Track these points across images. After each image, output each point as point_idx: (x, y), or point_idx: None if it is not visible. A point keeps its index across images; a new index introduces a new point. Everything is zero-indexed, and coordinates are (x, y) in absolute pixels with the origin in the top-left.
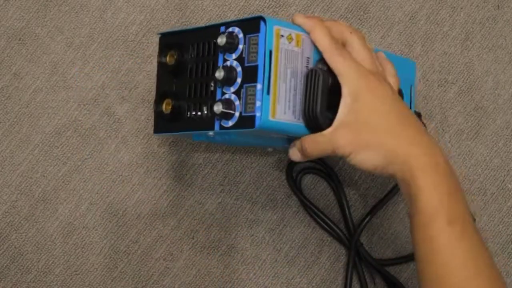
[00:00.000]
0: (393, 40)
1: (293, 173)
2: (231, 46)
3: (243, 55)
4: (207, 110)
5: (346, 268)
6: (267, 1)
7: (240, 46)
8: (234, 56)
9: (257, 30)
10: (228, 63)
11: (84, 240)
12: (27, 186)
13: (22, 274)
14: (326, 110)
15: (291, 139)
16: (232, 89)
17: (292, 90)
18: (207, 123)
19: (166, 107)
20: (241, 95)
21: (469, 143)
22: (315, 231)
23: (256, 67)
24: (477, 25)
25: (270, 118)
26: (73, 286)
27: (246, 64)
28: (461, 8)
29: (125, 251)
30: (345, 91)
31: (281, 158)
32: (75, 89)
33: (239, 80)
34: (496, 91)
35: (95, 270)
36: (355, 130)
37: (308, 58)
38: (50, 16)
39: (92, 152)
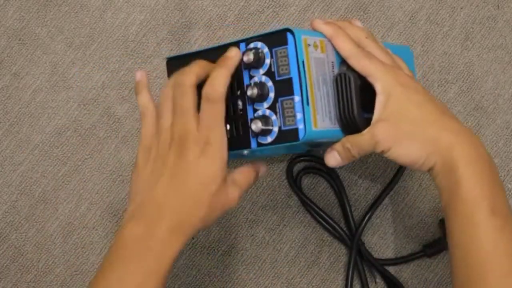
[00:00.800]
0: (393, 40)
1: (293, 173)
2: (258, 62)
3: (272, 69)
4: (239, 130)
5: (347, 267)
6: (267, 1)
7: (267, 61)
8: (261, 71)
9: (284, 42)
10: (256, 79)
11: (84, 240)
12: (27, 186)
13: (22, 274)
14: (362, 111)
15: (312, 144)
16: (266, 105)
17: (325, 97)
18: (242, 142)
19: None
20: (277, 110)
21: None
22: (315, 231)
23: (289, 79)
24: (477, 25)
25: (313, 128)
26: (73, 286)
27: (277, 78)
28: (461, 8)
29: None
30: (378, 89)
31: (281, 158)
32: (75, 89)
33: (271, 94)
34: (496, 91)
35: (95, 270)
36: (393, 124)
37: (332, 62)
38: (50, 16)
39: (92, 152)
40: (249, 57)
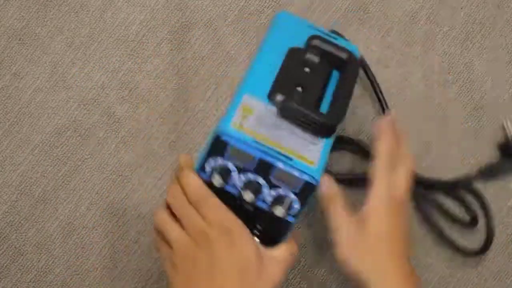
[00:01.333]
0: (393, 40)
1: None
2: (226, 174)
3: (240, 166)
4: (273, 224)
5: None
6: (267, 1)
7: (230, 165)
8: (235, 175)
9: (225, 144)
10: (239, 183)
11: (84, 240)
12: (27, 186)
13: (22, 274)
14: (319, 112)
15: None
16: (267, 190)
17: (290, 134)
18: (283, 226)
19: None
20: (277, 184)
21: (469, 143)
22: (315, 231)
23: (260, 160)
24: (477, 25)
25: (314, 167)
26: (73, 286)
27: (251, 168)
28: (461, 8)
29: (125, 251)
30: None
31: None
32: (75, 89)
33: (260, 180)
34: (496, 91)
35: (95, 270)
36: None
37: (264, 107)
38: (50, 16)
39: (92, 152)
40: (217, 179)
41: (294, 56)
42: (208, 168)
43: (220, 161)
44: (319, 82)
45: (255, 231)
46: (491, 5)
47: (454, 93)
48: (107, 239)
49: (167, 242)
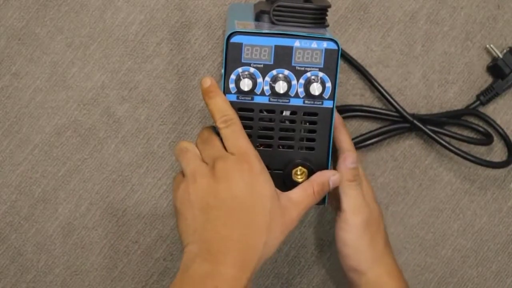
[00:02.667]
0: (393, 40)
1: None
2: (253, 78)
3: (260, 66)
4: (313, 116)
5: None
6: None
7: (252, 69)
8: (260, 79)
9: (239, 45)
10: (266, 87)
11: (84, 240)
12: (27, 186)
13: (22, 274)
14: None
15: None
16: (294, 81)
17: (290, 28)
18: (326, 114)
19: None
20: (302, 69)
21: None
22: (315, 231)
23: (276, 46)
24: (477, 25)
25: (328, 35)
26: (73, 286)
27: (271, 62)
28: (461, 8)
29: (125, 251)
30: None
31: None
32: (75, 89)
33: (286, 72)
34: None
35: (95, 270)
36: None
37: (256, 24)
38: (50, 16)
39: (92, 152)
40: (246, 83)
41: None
42: (232, 84)
43: (240, 69)
44: None
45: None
46: (491, 5)
47: (454, 93)
48: (107, 239)
49: (183, 174)
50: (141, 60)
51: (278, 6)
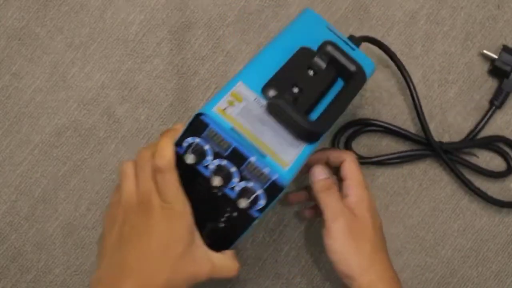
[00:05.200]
0: (393, 40)
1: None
2: (200, 155)
3: (216, 150)
4: (236, 213)
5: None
6: (267, 1)
7: (207, 147)
8: (210, 158)
9: (205, 125)
10: (211, 167)
11: (84, 240)
12: (27, 186)
13: (22, 274)
14: (307, 118)
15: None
16: (236, 179)
17: (273, 131)
18: (247, 219)
19: (205, 239)
20: (248, 176)
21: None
22: (315, 231)
23: (235, 149)
24: (477, 25)
25: (285, 168)
26: (73, 286)
27: (225, 154)
28: (461, 8)
29: None
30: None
31: None
32: (75, 89)
33: (233, 169)
34: None
35: (95, 270)
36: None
37: (255, 98)
38: (50, 16)
39: (92, 152)
40: (190, 157)
41: (302, 56)
42: (184, 144)
43: (197, 140)
44: (319, 88)
45: (208, 226)
46: (491, 5)
47: (454, 93)
48: None
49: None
50: (141, 60)
51: (272, 102)
